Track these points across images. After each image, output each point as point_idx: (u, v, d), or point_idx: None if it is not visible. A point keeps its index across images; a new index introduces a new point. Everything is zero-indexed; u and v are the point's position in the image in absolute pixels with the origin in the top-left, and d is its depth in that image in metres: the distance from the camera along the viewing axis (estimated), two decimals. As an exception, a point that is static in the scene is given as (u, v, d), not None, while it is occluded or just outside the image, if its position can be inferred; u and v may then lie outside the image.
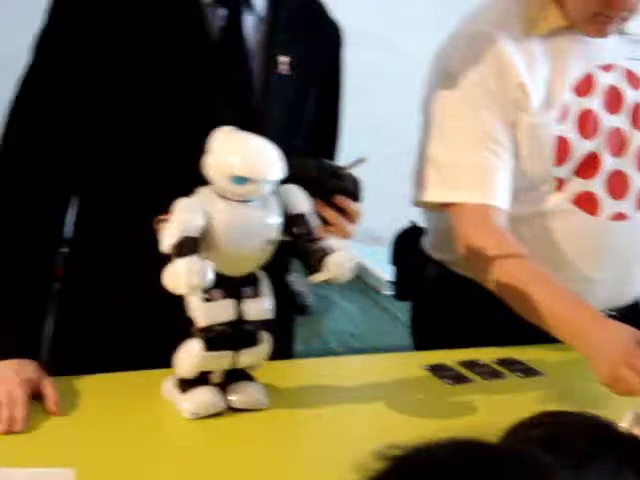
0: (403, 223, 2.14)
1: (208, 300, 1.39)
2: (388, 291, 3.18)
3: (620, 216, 1.85)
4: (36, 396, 1.47)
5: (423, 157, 1.85)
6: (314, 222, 1.44)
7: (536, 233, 1.84)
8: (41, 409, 1.45)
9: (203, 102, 1.58)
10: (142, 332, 1.60)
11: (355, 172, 1.56)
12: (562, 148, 1.80)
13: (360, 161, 1.54)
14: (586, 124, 1.83)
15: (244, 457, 1.37)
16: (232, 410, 1.48)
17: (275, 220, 1.40)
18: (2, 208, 1.60)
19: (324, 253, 1.39)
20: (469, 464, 0.68)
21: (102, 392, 1.53)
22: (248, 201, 1.37)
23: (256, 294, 1.44)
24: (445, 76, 1.82)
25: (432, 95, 1.84)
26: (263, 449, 1.40)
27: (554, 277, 1.70)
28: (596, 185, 1.84)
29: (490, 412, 1.54)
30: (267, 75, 1.63)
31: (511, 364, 1.76)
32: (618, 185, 1.86)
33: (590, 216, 1.84)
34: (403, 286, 2.15)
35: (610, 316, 1.77)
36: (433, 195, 1.82)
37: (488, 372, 1.72)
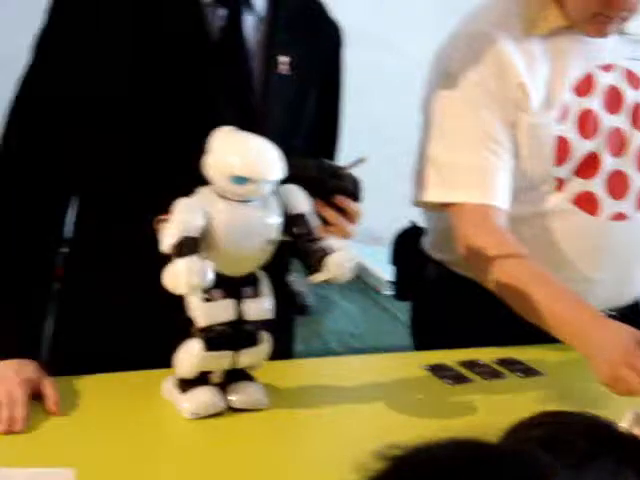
0: (403, 223, 2.14)
1: (208, 300, 1.39)
2: (388, 291, 3.18)
3: (620, 216, 1.85)
4: (36, 396, 1.47)
5: (423, 157, 1.85)
6: (314, 222, 1.44)
7: (536, 233, 1.84)
8: (41, 409, 1.45)
9: (203, 102, 1.58)
10: (142, 332, 1.60)
11: (355, 172, 1.56)
12: (562, 148, 1.80)
13: (360, 161, 1.54)
14: (586, 124, 1.83)
15: (244, 457, 1.37)
16: (232, 410, 1.48)
17: (275, 220, 1.40)
18: (2, 208, 1.60)
19: (324, 253, 1.39)
20: (469, 464, 0.68)
21: (102, 392, 1.53)
22: (248, 201, 1.37)
23: (256, 294, 1.44)
24: (445, 76, 1.82)
25: (432, 95, 1.84)
26: (263, 449, 1.40)
27: (554, 277, 1.70)
28: (596, 185, 1.84)
29: (490, 412, 1.54)
30: (267, 75, 1.63)
31: (511, 364, 1.76)
32: (618, 185, 1.85)
33: (590, 216, 1.84)
34: (403, 286, 2.15)
35: (610, 316, 1.77)
36: (433, 195, 1.82)
37: (488, 372, 1.72)
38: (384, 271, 3.16)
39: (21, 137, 1.60)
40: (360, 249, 3.34)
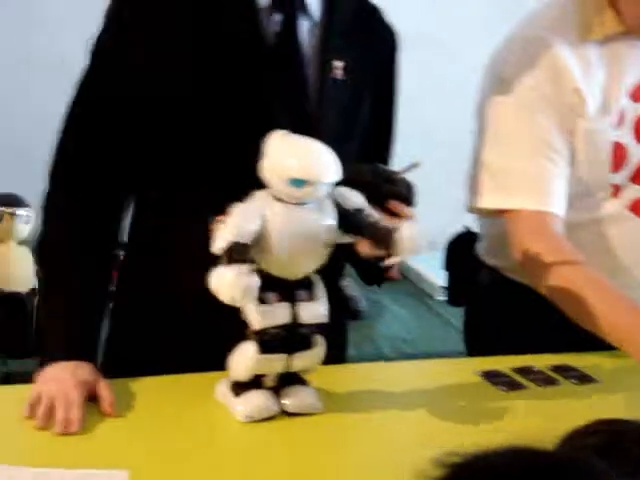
0: (456, 228, 2.13)
1: (263, 303, 1.40)
2: (441, 296, 3.18)
3: (676, 223, 1.84)
4: (92, 398, 1.48)
5: (477, 163, 1.84)
6: (375, 215, 1.44)
7: (592, 240, 1.82)
8: (97, 411, 1.46)
9: (258, 106, 1.58)
10: (196, 335, 1.61)
11: (409, 177, 1.56)
12: (618, 154, 1.79)
13: (414, 166, 1.54)
14: (642, 130, 1.81)
15: (297, 461, 1.38)
16: (285, 414, 1.48)
17: (331, 223, 1.41)
18: (61, 213, 1.61)
19: (393, 231, 1.39)
20: (527, 472, 0.68)
21: (157, 394, 1.54)
22: (304, 204, 1.38)
23: (311, 298, 1.44)
24: (500, 80, 1.81)
25: (486, 100, 1.84)
26: (316, 453, 1.40)
27: (610, 283, 1.68)
28: (652, 192, 1.82)
29: (545, 419, 1.52)
30: (322, 80, 1.63)
31: (566, 371, 1.75)
32: (674, 192, 1.84)
33: (646, 223, 1.82)
34: (456, 291, 2.15)
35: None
36: (489, 201, 1.81)
37: (542, 379, 1.71)
38: (437, 276, 3.16)
39: (80, 140, 1.61)
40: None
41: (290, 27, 1.61)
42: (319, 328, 1.45)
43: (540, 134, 1.77)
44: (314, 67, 1.64)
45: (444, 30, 3.54)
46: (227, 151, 1.58)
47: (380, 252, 1.43)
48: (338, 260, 1.53)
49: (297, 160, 1.35)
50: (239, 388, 1.47)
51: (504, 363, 1.76)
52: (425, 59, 3.38)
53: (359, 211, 1.42)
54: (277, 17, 1.61)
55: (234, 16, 1.59)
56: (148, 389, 1.56)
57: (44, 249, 1.62)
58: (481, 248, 2.03)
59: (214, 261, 1.33)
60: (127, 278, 1.73)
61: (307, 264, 1.42)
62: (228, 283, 1.30)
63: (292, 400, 1.48)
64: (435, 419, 1.52)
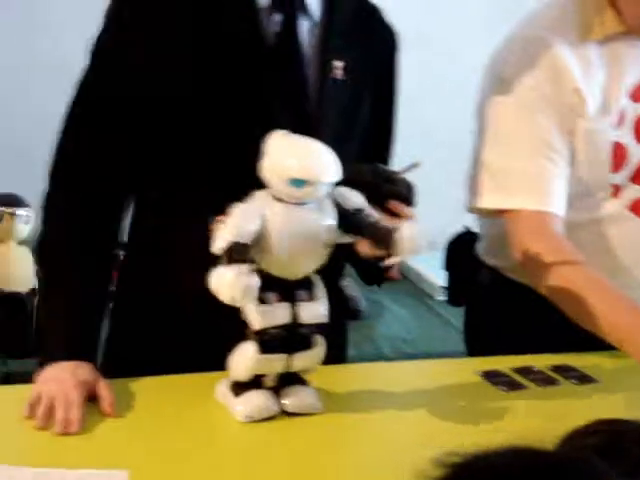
0: (456, 228, 2.13)
1: (263, 303, 1.40)
2: (441, 296, 3.18)
3: (677, 223, 1.84)
4: (92, 398, 1.48)
5: (477, 163, 1.84)
6: (374, 215, 1.44)
7: (591, 239, 1.82)
8: (96, 411, 1.46)
9: (258, 107, 1.58)
10: (196, 335, 1.61)
11: (409, 177, 1.56)
12: (618, 154, 1.79)
13: (414, 166, 1.54)
14: (642, 130, 1.81)
15: (297, 461, 1.38)
16: (285, 414, 1.48)
17: (331, 223, 1.41)
18: (61, 212, 1.61)
19: (393, 230, 1.40)
20: (527, 472, 0.68)
21: (157, 394, 1.55)
22: (304, 204, 1.38)
23: (311, 298, 1.44)
24: (500, 80, 1.81)
25: (486, 100, 1.84)
26: (316, 453, 1.40)
27: (610, 283, 1.68)
28: (653, 192, 1.82)
29: (545, 419, 1.52)
30: (322, 80, 1.63)
31: (566, 371, 1.75)
32: (675, 192, 1.84)
33: (646, 223, 1.82)
34: (456, 291, 2.15)
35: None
36: (488, 201, 1.82)
37: (543, 379, 1.71)
38: (437, 276, 3.16)
39: (80, 140, 1.61)
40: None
41: (290, 27, 1.61)
42: (319, 328, 1.45)
43: (540, 134, 1.77)
44: (314, 67, 1.64)
45: (444, 30, 3.54)
46: (227, 151, 1.58)
47: (380, 252, 1.44)
48: (338, 260, 1.53)
49: (297, 160, 1.35)
50: (239, 388, 1.47)
51: (504, 363, 1.76)
52: (425, 59, 3.38)
53: (359, 211, 1.42)
54: (277, 17, 1.61)
55: (234, 16, 1.59)
56: (148, 389, 1.56)
57: (44, 249, 1.62)
58: (481, 248, 2.03)
59: (214, 261, 1.33)
60: (127, 278, 1.73)
61: (307, 264, 1.42)
62: (228, 283, 1.30)
63: (292, 400, 1.48)
64: (435, 419, 1.52)
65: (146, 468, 1.31)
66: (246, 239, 1.34)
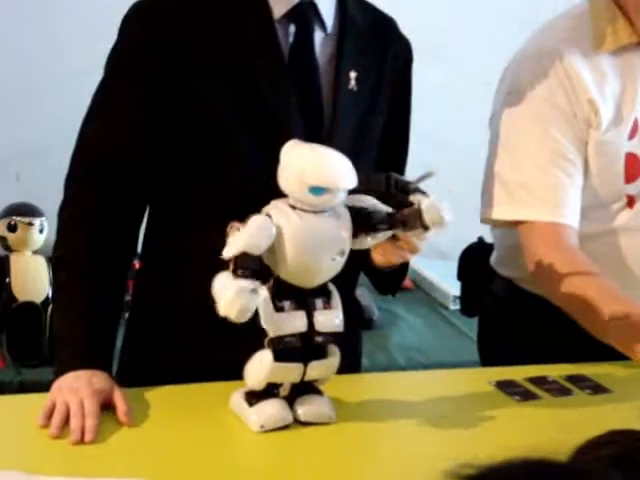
0: (470, 239, 2.13)
1: (279, 311, 1.40)
2: (455, 306, 3.18)
3: (691, 234, 1.83)
4: (107, 407, 1.48)
5: (491, 174, 1.84)
6: (389, 209, 1.45)
7: (605, 251, 1.82)
8: (112, 420, 1.47)
9: (273, 117, 1.59)
10: (212, 345, 1.61)
11: (422, 186, 1.56)
12: (632, 165, 1.79)
13: (428, 175, 1.54)
14: (656, 141, 1.81)
15: (311, 470, 1.38)
16: (299, 423, 1.48)
17: (347, 231, 1.41)
18: (77, 224, 1.62)
19: (415, 207, 1.41)
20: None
21: (172, 403, 1.55)
22: (321, 212, 1.38)
23: (327, 307, 1.44)
24: (514, 91, 1.82)
25: (500, 110, 1.84)
26: (330, 463, 1.40)
27: (623, 294, 1.68)
28: (666, 202, 1.82)
29: (559, 430, 1.52)
30: (336, 90, 1.64)
31: (580, 381, 1.74)
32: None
33: (660, 234, 1.82)
34: (470, 302, 2.15)
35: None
36: (502, 213, 1.82)
37: (556, 389, 1.71)
38: (451, 286, 3.16)
39: (98, 150, 1.62)
40: (427, 263, 3.37)
41: (305, 38, 1.62)
42: (334, 337, 1.45)
43: (554, 145, 1.77)
44: (328, 78, 1.64)
45: (455, 43, 3.53)
46: (243, 160, 1.59)
47: (411, 233, 1.44)
48: (352, 269, 1.53)
49: (316, 168, 1.35)
50: (253, 398, 1.47)
51: (518, 373, 1.76)
52: (435, 71, 3.38)
53: (374, 209, 1.43)
54: (292, 28, 1.62)
55: (249, 27, 1.60)
56: (163, 398, 1.56)
57: (60, 258, 1.63)
58: (495, 259, 2.03)
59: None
60: (143, 287, 1.74)
61: (323, 272, 1.42)
62: (227, 300, 1.31)
63: (306, 409, 1.48)
64: (449, 429, 1.52)
65: (161, 477, 1.32)
66: (256, 251, 1.35)
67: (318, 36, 1.65)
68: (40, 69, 3.20)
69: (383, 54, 1.71)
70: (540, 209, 1.76)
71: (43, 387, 1.54)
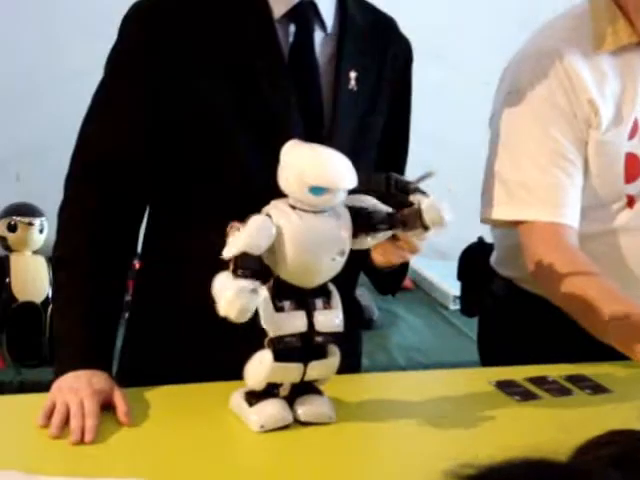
0: (470, 238, 2.13)
1: (279, 311, 1.41)
2: (455, 306, 3.18)
3: (691, 233, 1.83)
4: (107, 407, 1.48)
5: (491, 174, 1.84)
6: (389, 209, 1.45)
7: (604, 251, 1.82)
8: (112, 420, 1.47)
9: (273, 117, 1.59)
10: (212, 345, 1.61)
11: (422, 186, 1.56)
12: (632, 165, 1.79)
13: (428, 175, 1.54)
14: (656, 141, 1.81)
15: (311, 470, 1.38)
16: (299, 423, 1.48)
17: (347, 231, 1.41)
18: (77, 224, 1.62)
19: (415, 207, 1.41)
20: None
21: (172, 403, 1.55)
22: (322, 212, 1.38)
23: (327, 306, 1.44)
24: (514, 92, 1.82)
25: (500, 110, 1.84)
26: (330, 463, 1.41)
27: (623, 294, 1.68)
28: (667, 202, 1.82)
29: (559, 429, 1.52)
30: (336, 91, 1.64)
31: (580, 381, 1.75)
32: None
33: (660, 233, 1.82)
34: (470, 302, 2.15)
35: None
36: (502, 213, 1.82)
37: (556, 389, 1.71)
38: (451, 286, 3.16)
39: (98, 150, 1.62)
40: (427, 263, 3.37)
41: (305, 38, 1.62)
42: (334, 337, 1.45)
43: (554, 145, 1.77)
44: (328, 78, 1.64)
45: (455, 43, 3.53)
46: (243, 160, 1.59)
47: (411, 233, 1.44)
48: (352, 269, 1.53)
49: (316, 168, 1.35)
50: (253, 398, 1.47)
51: (518, 373, 1.76)
52: (439, 71, 3.38)
53: (374, 209, 1.43)
54: (292, 28, 1.62)
55: (249, 27, 1.60)
56: (163, 398, 1.56)
57: (60, 257, 1.63)
58: (495, 258, 2.03)
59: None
60: (142, 287, 1.74)
61: (323, 272, 1.42)
62: (226, 300, 1.31)
63: (306, 409, 1.48)
64: (449, 429, 1.52)
65: (161, 477, 1.32)
66: (256, 251, 1.35)
67: (318, 36, 1.65)
68: (40, 69, 3.20)
69: (383, 54, 1.71)
70: (540, 209, 1.77)
71: (43, 387, 1.54)
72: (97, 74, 1.64)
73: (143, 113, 1.59)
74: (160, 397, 1.56)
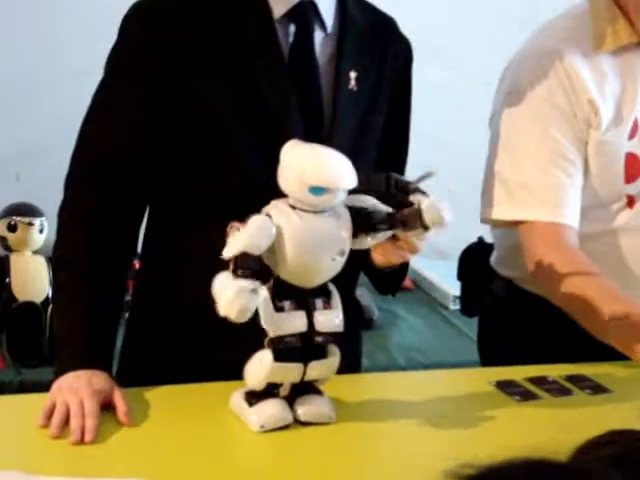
0: (470, 238, 2.13)
1: (279, 311, 1.41)
2: (455, 306, 3.18)
3: (691, 233, 1.83)
4: (107, 407, 1.48)
5: (491, 174, 1.84)
6: (389, 209, 1.45)
7: (604, 251, 1.82)
8: (112, 420, 1.47)
9: (273, 117, 1.59)
10: (212, 345, 1.61)
11: (422, 186, 1.56)
12: (632, 165, 1.79)
13: (428, 175, 1.54)
14: (656, 141, 1.81)
15: (311, 470, 1.38)
16: (299, 423, 1.48)
17: (347, 231, 1.41)
18: (77, 223, 1.62)
19: (415, 207, 1.41)
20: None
21: (172, 403, 1.55)
22: (322, 212, 1.38)
23: (327, 306, 1.44)
24: (514, 92, 1.82)
25: (500, 110, 1.84)
26: (330, 463, 1.41)
27: (623, 294, 1.68)
28: (666, 202, 1.82)
29: (559, 429, 1.52)
30: (336, 91, 1.64)
31: (580, 381, 1.75)
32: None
33: (660, 233, 1.82)
34: (470, 302, 2.15)
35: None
36: (502, 213, 1.82)
37: (556, 389, 1.71)
38: (451, 286, 3.16)
39: (98, 150, 1.62)
40: (427, 264, 3.37)
41: (305, 38, 1.62)
42: (334, 337, 1.45)
43: (554, 145, 1.77)
44: (328, 78, 1.64)
45: (454, 43, 3.53)
46: (243, 160, 1.59)
47: (411, 234, 1.44)
48: (352, 269, 1.53)
49: (316, 168, 1.35)
50: (253, 398, 1.47)
51: (518, 373, 1.76)
52: (439, 71, 3.38)
53: (374, 209, 1.43)
54: (292, 28, 1.62)
55: (249, 27, 1.60)
56: (163, 398, 1.56)
57: (60, 257, 1.63)
58: (495, 258, 2.03)
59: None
60: (143, 287, 1.74)
61: (323, 272, 1.42)
62: (227, 300, 1.31)
63: (306, 409, 1.48)
64: (449, 429, 1.52)
65: (161, 477, 1.32)
66: (256, 251, 1.35)
67: (318, 36, 1.65)
68: (40, 69, 3.20)
69: (383, 54, 1.71)
70: (540, 209, 1.77)
71: (43, 387, 1.54)
72: (97, 74, 1.65)
73: (143, 113, 1.59)
74: (160, 397, 1.56)
